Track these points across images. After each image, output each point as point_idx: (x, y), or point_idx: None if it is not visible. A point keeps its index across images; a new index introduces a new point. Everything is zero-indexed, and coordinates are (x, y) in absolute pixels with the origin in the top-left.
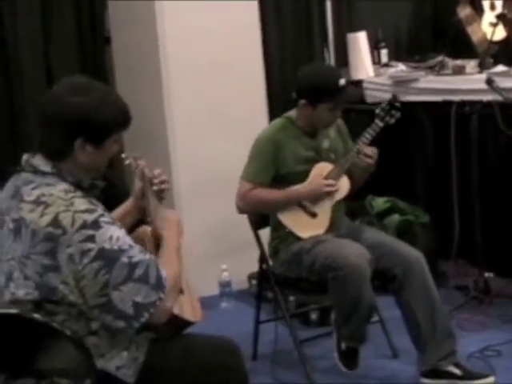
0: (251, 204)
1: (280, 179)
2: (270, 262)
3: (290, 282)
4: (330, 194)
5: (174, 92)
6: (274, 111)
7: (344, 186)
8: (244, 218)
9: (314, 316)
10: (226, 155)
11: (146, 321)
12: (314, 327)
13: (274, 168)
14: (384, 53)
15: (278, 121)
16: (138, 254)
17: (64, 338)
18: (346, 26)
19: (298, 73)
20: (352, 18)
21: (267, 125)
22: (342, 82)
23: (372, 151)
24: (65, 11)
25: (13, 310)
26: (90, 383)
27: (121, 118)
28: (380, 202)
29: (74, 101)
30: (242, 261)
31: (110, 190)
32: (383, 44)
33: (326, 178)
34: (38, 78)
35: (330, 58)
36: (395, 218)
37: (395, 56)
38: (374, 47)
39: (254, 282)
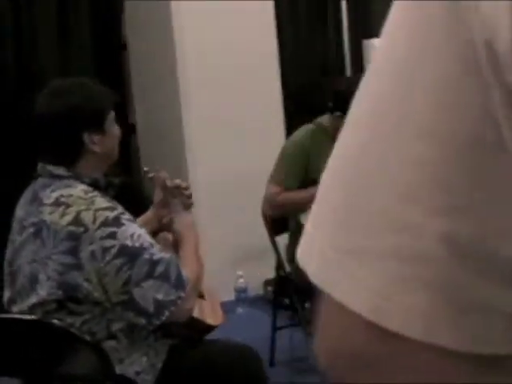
0: (280, 207)
1: (307, 185)
2: (288, 268)
3: (308, 289)
4: None
5: (191, 98)
6: (289, 117)
7: None
8: (260, 224)
9: None
10: (242, 162)
11: (166, 319)
12: None
13: (302, 173)
14: None
15: (309, 127)
16: (158, 252)
17: (83, 344)
18: (361, 32)
19: (335, 82)
20: (367, 24)
21: (283, 131)
22: None
23: None
24: (81, 17)
25: (30, 316)
26: None
27: (106, 96)
28: None
29: (64, 99)
30: (257, 267)
31: (126, 193)
32: None
33: None
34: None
35: (346, 65)
36: None
37: None
38: None
39: (270, 288)
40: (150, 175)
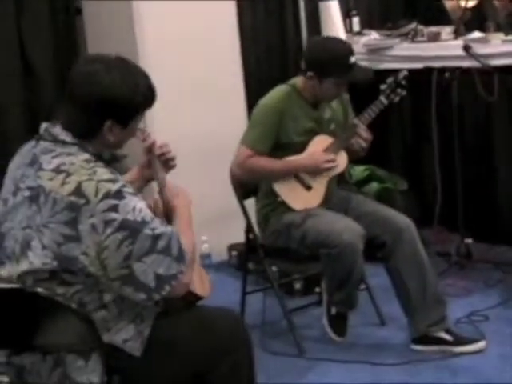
0: (249, 171)
1: (278, 148)
2: (257, 232)
3: (278, 252)
4: (328, 169)
5: (150, 63)
6: (249, 81)
7: (342, 160)
8: (222, 188)
9: (298, 286)
10: (205, 127)
11: (166, 294)
12: (298, 297)
13: (274, 137)
14: (356, 21)
15: (283, 88)
16: (160, 226)
17: (69, 312)
18: None
19: (309, 42)
20: None
21: (243, 95)
22: (353, 59)
23: (367, 135)
24: None
25: (14, 285)
26: (97, 357)
27: (150, 99)
28: (358, 171)
29: (108, 82)
30: (221, 232)
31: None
32: (355, 12)
33: (326, 151)
34: (9, 50)
35: (302, 27)
36: (374, 185)
37: (367, 24)
38: (346, 16)
39: (234, 253)
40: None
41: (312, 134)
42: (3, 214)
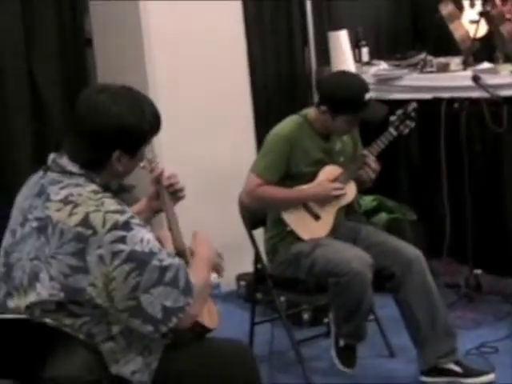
0: (258, 199)
1: (288, 178)
2: (265, 262)
3: (286, 283)
4: (337, 198)
5: (160, 94)
6: (258, 109)
7: (351, 191)
8: (231, 218)
9: (306, 316)
10: (214, 155)
11: (173, 326)
12: (306, 327)
13: (284, 166)
14: (365, 51)
15: (294, 118)
16: (167, 257)
17: (78, 343)
18: (326, 24)
19: (326, 77)
20: (332, 16)
21: (252, 127)
22: (368, 96)
23: (376, 166)
24: (46, 14)
25: (22, 316)
26: None
27: (156, 126)
28: (367, 201)
29: (116, 112)
30: (230, 262)
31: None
32: (364, 42)
33: (334, 181)
34: (19, 81)
35: (311, 57)
36: (383, 216)
37: (376, 54)
38: (355, 46)
39: (243, 283)
40: (142, 165)
41: (322, 164)
42: (11, 245)
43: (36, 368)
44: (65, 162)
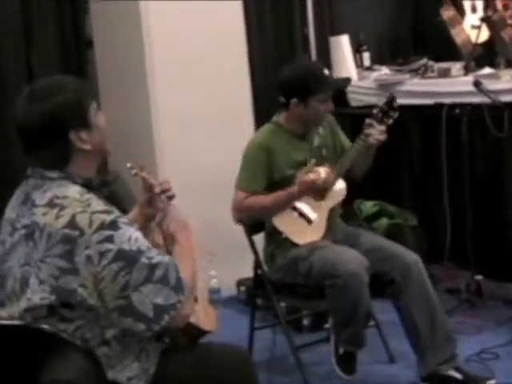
0: (247, 210)
1: (274, 185)
2: (265, 268)
3: (286, 288)
4: (323, 193)
5: (160, 93)
6: (259, 111)
7: (341, 190)
8: (231, 223)
9: (306, 322)
10: (214, 157)
11: (165, 324)
12: (306, 333)
13: (266, 175)
14: (366, 56)
15: (266, 126)
16: (156, 255)
17: (74, 349)
18: (327, 29)
19: (279, 76)
20: (333, 21)
21: (253, 124)
22: (326, 71)
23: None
24: (46, 14)
25: (17, 322)
26: None
27: (83, 87)
28: (368, 206)
29: (39, 106)
30: (230, 267)
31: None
32: (365, 47)
33: (326, 180)
34: (19, 82)
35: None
36: (384, 221)
37: (377, 59)
38: (356, 51)
39: (243, 288)
40: (134, 172)
41: (304, 165)
42: (2, 256)
43: (33, 373)
44: (42, 171)
